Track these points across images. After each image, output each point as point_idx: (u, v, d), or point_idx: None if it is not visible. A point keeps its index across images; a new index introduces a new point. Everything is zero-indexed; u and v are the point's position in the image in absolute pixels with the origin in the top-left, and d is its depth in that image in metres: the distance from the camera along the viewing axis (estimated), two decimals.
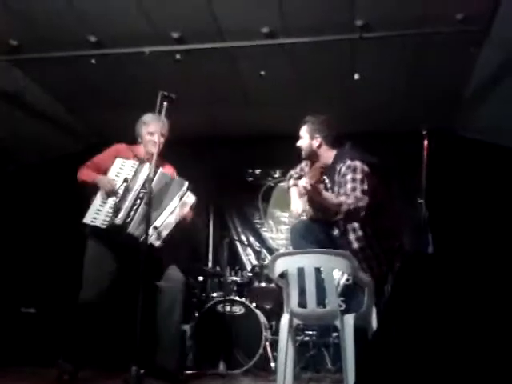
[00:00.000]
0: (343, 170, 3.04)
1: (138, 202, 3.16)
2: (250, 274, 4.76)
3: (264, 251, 5.63)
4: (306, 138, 3.22)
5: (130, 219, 3.13)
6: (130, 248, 3.13)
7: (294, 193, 3.41)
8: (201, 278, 4.74)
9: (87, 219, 3.16)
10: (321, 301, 2.83)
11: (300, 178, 3.42)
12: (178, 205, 3.26)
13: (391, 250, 3.08)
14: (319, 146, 3.20)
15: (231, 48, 4.15)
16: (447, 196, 4.93)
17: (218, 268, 5.09)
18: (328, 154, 3.20)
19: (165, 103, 3.00)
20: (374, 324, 2.85)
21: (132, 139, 3.53)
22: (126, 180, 3.20)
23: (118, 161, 3.30)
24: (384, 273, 3.04)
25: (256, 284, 4.61)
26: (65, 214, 5.19)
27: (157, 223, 3.16)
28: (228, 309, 4.29)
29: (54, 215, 5.55)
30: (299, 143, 3.26)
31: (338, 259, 2.76)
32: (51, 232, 5.51)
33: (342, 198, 2.93)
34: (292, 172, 3.50)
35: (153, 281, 3.23)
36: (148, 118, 3.40)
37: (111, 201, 3.17)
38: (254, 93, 4.88)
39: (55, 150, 5.74)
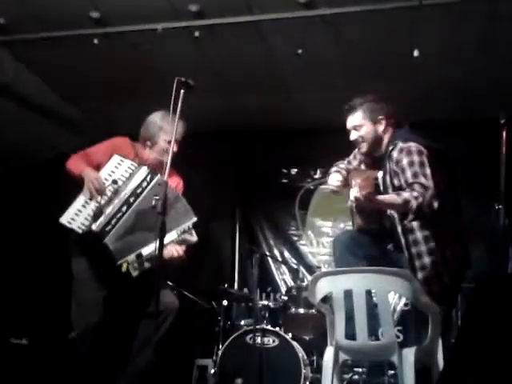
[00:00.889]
0: (395, 155, 3.00)
1: (124, 208, 3.19)
2: (286, 298, 4.75)
3: (302, 269, 5.61)
4: (367, 125, 3.14)
5: (109, 227, 3.17)
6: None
7: (334, 173, 3.34)
8: (225, 303, 4.75)
9: (64, 219, 3.20)
10: (373, 331, 2.81)
11: (347, 170, 3.39)
12: (177, 240, 3.26)
13: (460, 266, 3.02)
14: (385, 130, 3.15)
15: (261, 22, 4.16)
16: None
17: (245, 290, 5.09)
18: (391, 136, 3.15)
19: (182, 91, 3.00)
20: (441, 362, 2.81)
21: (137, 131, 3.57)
22: (114, 181, 3.25)
23: (115, 158, 3.31)
24: (452, 295, 2.99)
25: (293, 310, 4.60)
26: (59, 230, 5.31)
27: (144, 251, 3.17)
28: (259, 340, 4.28)
29: (47, 230, 5.67)
30: (355, 135, 3.17)
31: (395, 280, 2.73)
32: (45, 250, 5.63)
33: (406, 194, 2.87)
34: (337, 163, 3.46)
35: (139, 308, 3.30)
36: (166, 122, 3.36)
37: (94, 202, 3.22)
38: (290, 76, 4.89)
39: (48, 147, 5.87)
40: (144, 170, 3.27)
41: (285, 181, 5.98)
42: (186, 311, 3.48)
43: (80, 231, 3.18)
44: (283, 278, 5.73)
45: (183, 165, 3.44)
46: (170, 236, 3.20)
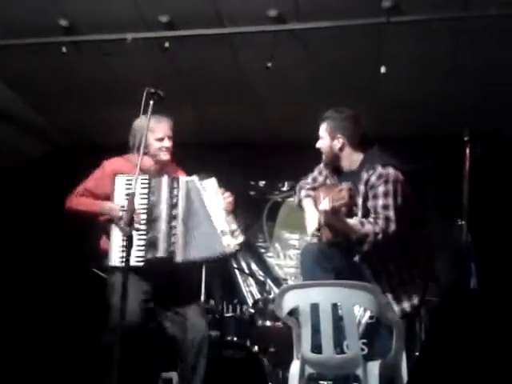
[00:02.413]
0: (373, 179, 3.02)
1: (174, 223, 3.17)
2: (252, 311, 4.74)
3: (269, 282, 5.61)
4: (326, 139, 3.19)
5: (172, 248, 3.13)
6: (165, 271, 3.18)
7: (308, 205, 3.36)
8: None
9: (114, 261, 3.10)
10: (338, 344, 2.81)
11: (313, 190, 3.43)
12: (212, 197, 3.29)
13: (422, 278, 3.07)
14: (341, 149, 3.18)
15: (231, 35, 4.19)
16: (494, 216, 4.92)
17: (211, 302, 5.06)
18: (353, 158, 3.18)
19: (151, 101, 3.01)
20: (405, 374, 2.83)
21: (110, 143, 3.54)
22: (146, 205, 3.16)
23: (120, 179, 3.20)
24: (415, 309, 3.02)
25: (259, 323, 4.59)
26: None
27: (220, 228, 3.22)
28: (224, 353, 4.26)
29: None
30: (318, 144, 3.24)
31: (361, 293, 2.75)
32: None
33: (369, 227, 2.92)
34: (302, 183, 3.49)
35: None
36: (151, 122, 3.28)
37: (136, 232, 3.04)
38: (259, 89, 4.92)
39: (12, 155, 5.78)
40: (165, 180, 3.24)
41: (253, 193, 6.00)
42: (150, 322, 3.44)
43: (141, 264, 3.09)
44: (250, 290, 5.72)
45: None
46: (209, 201, 3.27)
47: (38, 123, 5.53)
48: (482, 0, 3.73)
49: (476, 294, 2.64)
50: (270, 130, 5.48)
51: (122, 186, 3.19)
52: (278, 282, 5.55)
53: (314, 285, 2.86)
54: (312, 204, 3.34)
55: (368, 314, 2.99)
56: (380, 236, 2.91)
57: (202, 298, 5.45)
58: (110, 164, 3.35)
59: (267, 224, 5.88)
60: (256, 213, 5.88)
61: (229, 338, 4.41)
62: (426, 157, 5.11)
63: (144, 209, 3.17)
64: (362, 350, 2.86)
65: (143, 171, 3.25)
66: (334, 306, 2.80)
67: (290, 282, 5.12)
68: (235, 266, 5.74)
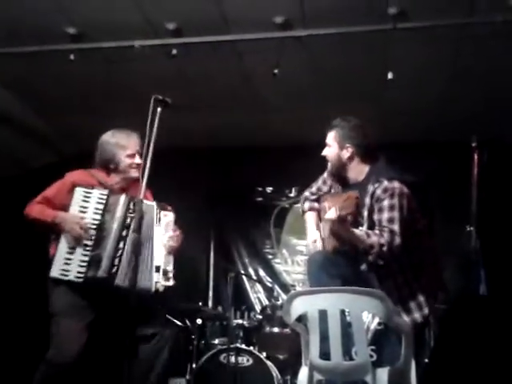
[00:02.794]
0: (378, 192, 3.03)
1: (121, 245, 3.09)
2: (260, 317, 4.75)
3: (277, 288, 5.63)
4: (334, 147, 3.19)
5: (115, 269, 3.06)
6: (110, 293, 3.11)
7: (310, 219, 3.40)
8: (199, 322, 4.72)
9: (55, 273, 3.07)
10: (347, 351, 2.81)
11: (317, 200, 3.43)
12: (162, 231, 3.24)
13: (431, 288, 3.06)
14: (350, 158, 3.16)
15: (238, 42, 4.21)
16: (503, 222, 4.92)
17: (220, 309, 5.07)
18: (359, 169, 3.17)
19: (158, 109, 3.01)
20: (414, 381, 2.82)
21: None
22: (98, 221, 3.10)
23: (79, 190, 3.15)
24: (426, 319, 3.01)
25: (267, 329, 4.59)
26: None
27: (156, 262, 3.15)
28: (233, 359, 4.26)
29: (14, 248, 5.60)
30: (325, 152, 3.24)
31: (369, 300, 2.74)
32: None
33: (374, 239, 2.93)
34: (307, 193, 3.48)
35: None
36: (122, 137, 3.30)
37: (82, 248, 3.07)
38: (266, 95, 4.93)
39: (16, 163, 5.81)
40: (123, 198, 3.17)
41: (260, 199, 6.00)
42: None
43: (80, 280, 3.04)
44: (258, 296, 5.73)
45: (159, 181, 3.43)
46: (157, 232, 3.22)
47: (43, 131, 5.55)
48: (488, 6, 3.72)
49: (485, 300, 2.64)
50: (277, 136, 5.49)
51: (79, 197, 3.15)
52: (285, 288, 5.56)
53: (322, 291, 2.85)
54: (314, 219, 3.35)
55: (376, 320, 2.98)
56: (385, 248, 2.92)
57: (210, 304, 5.50)
58: (72, 176, 3.29)
59: (274, 230, 5.88)
60: (263, 219, 5.89)
61: (237, 345, 4.41)
62: (432, 163, 5.12)
63: (95, 224, 3.11)
64: (371, 356, 2.85)
65: (106, 187, 3.23)
66: (342, 313, 2.80)
67: (298, 288, 5.14)
68: (243, 272, 5.76)
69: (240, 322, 4.73)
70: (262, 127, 5.39)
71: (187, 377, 4.35)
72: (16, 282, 5.50)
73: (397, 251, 2.95)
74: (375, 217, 3.01)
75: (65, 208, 3.16)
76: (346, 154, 3.17)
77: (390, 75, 4.07)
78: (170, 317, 4.63)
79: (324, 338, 2.77)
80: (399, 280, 3.01)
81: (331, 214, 2.87)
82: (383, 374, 2.72)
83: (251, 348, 4.37)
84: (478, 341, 1.84)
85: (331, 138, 3.20)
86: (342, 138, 3.17)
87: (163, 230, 3.25)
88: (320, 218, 3.38)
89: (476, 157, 3.33)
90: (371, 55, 4.30)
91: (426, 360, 3.33)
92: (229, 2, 3.89)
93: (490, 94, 4.64)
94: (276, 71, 4.17)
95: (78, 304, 3.12)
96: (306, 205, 3.43)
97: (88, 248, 3.08)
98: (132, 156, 3.28)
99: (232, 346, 4.35)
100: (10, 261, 5.60)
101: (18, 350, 5.10)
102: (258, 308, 5.43)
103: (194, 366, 4.39)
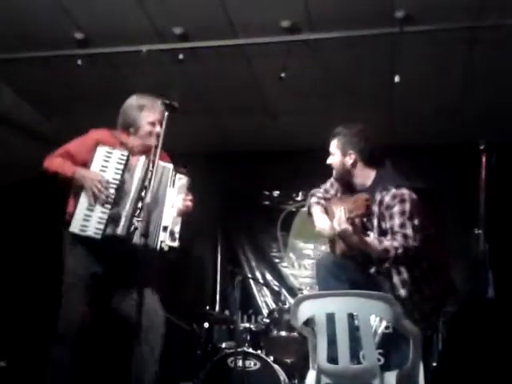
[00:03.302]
0: (387, 200, 3.04)
1: (140, 205, 3.11)
2: (267, 321, 4.73)
3: (284, 292, 5.62)
4: (338, 155, 3.22)
5: (133, 228, 3.07)
6: (125, 256, 3.10)
7: (317, 210, 3.40)
8: (206, 325, 4.72)
9: (75, 228, 3.07)
10: (355, 354, 2.81)
11: (325, 199, 3.44)
12: (175, 193, 3.27)
13: (442, 293, 3.06)
14: (354, 164, 3.19)
15: (245, 46, 4.23)
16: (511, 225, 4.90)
17: (227, 312, 5.07)
18: (365, 174, 3.19)
19: (166, 113, 3.04)
20: None
21: None
22: (119, 180, 3.13)
23: (101, 149, 3.17)
24: (434, 320, 3.01)
25: (274, 333, 4.57)
26: (40, 247, 5.27)
27: (164, 222, 3.17)
28: (240, 363, 4.26)
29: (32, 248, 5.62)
30: (329, 161, 3.27)
31: (377, 303, 2.74)
32: (23, 269, 5.58)
33: (387, 243, 2.93)
34: (314, 191, 3.52)
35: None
36: (145, 101, 3.30)
37: (101, 205, 3.09)
38: (273, 99, 4.95)
39: (27, 168, 5.83)
40: (143, 160, 3.20)
41: (267, 203, 6.01)
42: (168, 333, 3.46)
43: (98, 237, 3.05)
44: (265, 300, 5.72)
45: None
46: (169, 194, 3.24)
47: (50, 136, 5.58)
48: (497, 9, 3.72)
49: (493, 304, 2.63)
50: (284, 140, 5.49)
51: (101, 156, 3.17)
52: (292, 291, 5.55)
53: (329, 294, 2.86)
54: (321, 210, 3.36)
55: (384, 323, 2.98)
56: (400, 251, 2.91)
57: (217, 308, 5.50)
58: (96, 133, 3.30)
59: (281, 234, 5.88)
60: (270, 222, 5.89)
61: (244, 349, 4.40)
62: (440, 166, 5.10)
63: (114, 184, 3.13)
64: (379, 360, 2.84)
65: (127, 149, 3.24)
66: (350, 316, 2.80)
67: (305, 292, 5.13)
68: (250, 276, 5.76)
69: (247, 325, 4.70)
70: (269, 131, 5.40)
71: (195, 381, 4.35)
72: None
73: (412, 254, 2.94)
74: (386, 225, 3.01)
75: (85, 164, 3.17)
76: (349, 160, 3.19)
77: (396, 78, 4.07)
78: (177, 321, 4.66)
79: (331, 342, 2.77)
80: (410, 287, 3.01)
81: (339, 215, 2.87)
82: (391, 377, 2.73)
83: (259, 352, 4.35)
84: (486, 344, 1.83)
85: (334, 146, 3.24)
86: (344, 145, 3.20)
87: (176, 192, 3.27)
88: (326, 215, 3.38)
89: (484, 159, 3.32)
90: (379, 58, 4.30)
91: (434, 364, 3.34)
92: (235, 6, 3.91)
93: (499, 97, 4.63)
94: (283, 75, 4.18)
95: (89, 272, 3.12)
96: (313, 199, 3.45)
97: (107, 206, 3.10)
98: (153, 124, 3.28)
99: (239, 349, 4.34)
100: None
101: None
102: (265, 312, 5.42)
103: (201, 370, 4.39)
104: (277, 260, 5.87)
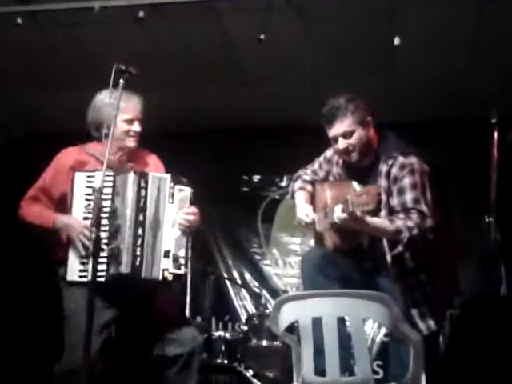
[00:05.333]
0: (394, 171, 3.03)
1: (140, 232, 3.10)
2: (246, 328, 4.76)
3: (266, 294, 5.65)
4: (359, 130, 3.11)
5: (139, 261, 3.08)
6: (130, 288, 3.16)
7: (300, 196, 3.41)
8: None
9: (72, 276, 3.10)
10: (347, 366, 2.82)
11: (311, 182, 3.44)
12: (175, 209, 3.21)
13: (447, 291, 3.09)
14: (374, 134, 3.15)
15: (217, 1, 4.18)
16: None
17: (198, 319, 5.08)
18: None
19: (121, 80, 3.00)
20: None
21: (73, 131, 3.48)
22: (109, 208, 3.07)
23: (79, 176, 3.15)
24: (438, 324, 3.04)
25: (254, 342, 4.61)
26: None
27: (165, 246, 3.15)
28: (214, 377, 4.27)
29: None
30: (346, 143, 3.12)
31: (372, 305, 2.75)
32: None
33: (399, 223, 2.92)
34: (300, 172, 3.51)
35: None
36: (117, 99, 3.21)
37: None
38: (251, 66, 4.93)
39: None
40: (131, 177, 3.14)
41: (245, 190, 6.01)
42: None
43: (103, 279, 3.03)
44: (243, 304, 5.75)
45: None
46: (168, 210, 3.20)
47: None
48: None
49: (507, 302, 2.66)
50: (265, 115, 5.49)
51: (81, 184, 3.14)
52: (276, 294, 5.57)
53: (315, 295, 2.86)
54: (305, 198, 3.35)
55: (383, 331, 2.99)
56: (415, 231, 2.89)
57: (187, 314, 5.49)
58: (66, 157, 3.30)
59: (263, 226, 5.90)
60: (250, 213, 5.91)
61: (218, 361, 4.42)
62: (446, 144, 5.14)
63: (106, 213, 3.07)
64: (377, 373, 2.86)
65: (108, 165, 3.11)
66: (341, 321, 2.81)
67: (289, 294, 5.14)
68: (226, 275, 5.77)
69: (222, 334, 4.73)
70: (246, 104, 5.38)
71: None
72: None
73: (428, 237, 2.94)
74: (395, 201, 3.00)
75: (65, 197, 3.19)
76: (370, 130, 3.15)
77: (396, 41, 4.08)
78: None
79: (319, 351, 2.78)
80: (412, 281, 3.03)
81: (340, 210, 2.85)
82: None
83: (235, 364, 4.38)
84: (498, 346, 1.85)
85: (349, 122, 3.11)
86: (360, 115, 3.12)
87: (177, 207, 3.22)
88: (314, 205, 3.38)
89: (496, 136, 3.34)
90: (376, 18, 4.28)
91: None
92: None
93: None
94: (262, 37, 4.17)
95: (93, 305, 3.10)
96: (297, 184, 3.45)
97: (104, 242, 3.05)
98: (130, 122, 3.28)
99: (213, 362, 4.37)
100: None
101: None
102: (243, 318, 5.45)
103: None
104: (257, 257, 5.91)
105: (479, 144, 3.45)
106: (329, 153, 3.41)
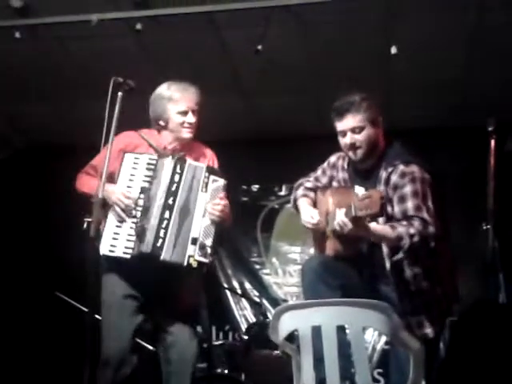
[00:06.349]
0: (395, 178, 3.02)
1: (167, 214, 3.18)
2: (246, 337, 4.75)
3: (266, 303, 5.62)
4: (368, 127, 3.10)
5: (160, 242, 3.15)
6: (163, 274, 3.20)
7: (303, 202, 3.39)
8: None
9: (104, 249, 3.17)
10: (347, 374, 2.82)
11: (314, 190, 3.44)
12: (207, 198, 3.27)
13: (446, 299, 3.09)
14: (382, 136, 3.14)
15: (214, 13, 4.21)
16: None
17: (198, 329, 5.06)
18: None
19: (119, 93, 3.03)
20: None
21: (75, 143, 3.51)
22: (144, 189, 3.20)
23: (128, 157, 3.26)
24: (438, 332, 3.04)
25: (254, 351, 4.60)
26: None
27: (193, 233, 3.21)
28: None
29: None
30: (354, 139, 3.10)
31: (372, 313, 2.74)
32: None
33: (401, 229, 2.90)
34: (301, 181, 3.51)
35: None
36: (174, 90, 3.36)
37: (130, 220, 3.18)
38: (249, 77, 4.94)
39: None
40: (169, 162, 3.23)
41: (245, 199, 6.01)
42: None
43: (128, 256, 3.14)
44: (243, 313, 5.74)
45: None
46: (201, 200, 3.25)
47: None
48: None
49: (505, 309, 2.65)
50: (264, 125, 5.50)
51: (129, 164, 3.26)
52: (276, 303, 5.57)
53: (315, 304, 2.85)
54: (308, 202, 3.35)
55: (383, 339, 2.99)
56: (416, 238, 2.88)
57: None
58: (122, 139, 3.36)
59: (262, 235, 5.90)
60: (249, 222, 5.90)
61: (219, 371, 4.42)
62: (443, 151, 5.13)
63: (143, 193, 3.20)
64: (378, 381, 2.86)
65: (157, 150, 3.32)
66: (341, 329, 2.81)
67: (289, 303, 5.14)
68: (225, 285, 5.76)
69: (223, 343, 4.74)
70: (245, 114, 5.40)
71: None
72: None
73: (430, 244, 2.92)
74: (396, 208, 2.99)
75: (112, 176, 3.24)
76: (379, 130, 3.14)
77: (393, 50, 4.09)
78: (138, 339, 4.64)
79: (319, 360, 2.78)
80: (412, 288, 3.02)
81: (343, 215, 2.85)
82: None
83: (235, 374, 4.37)
84: (497, 354, 1.85)
85: (361, 118, 3.09)
86: (373, 113, 3.11)
87: (209, 196, 3.28)
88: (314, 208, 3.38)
89: (493, 143, 3.34)
90: (372, 26, 4.31)
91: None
92: None
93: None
94: (260, 47, 4.18)
95: (125, 294, 3.23)
96: (300, 191, 3.43)
97: (135, 220, 3.16)
98: (184, 113, 3.34)
99: (213, 372, 4.36)
100: None
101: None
102: (243, 327, 5.44)
103: None
104: (257, 266, 5.91)
105: (477, 151, 3.45)
106: (333, 158, 3.40)
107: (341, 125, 3.13)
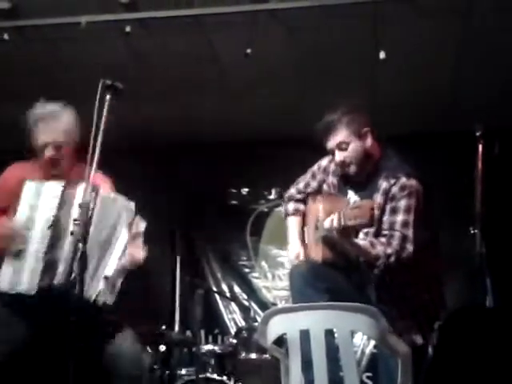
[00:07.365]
0: (395, 190, 3.03)
1: (81, 245, 2.87)
2: (235, 341, 4.75)
3: (255, 307, 5.63)
4: (354, 141, 3.11)
5: (74, 276, 2.81)
6: (55, 308, 2.96)
7: (293, 225, 3.41)
8: (163, 348, 4.70)
9: (5, 287, 2.99)
10: (335, 378, 2.82)
11: (304, 200, 3.44)
12: (128, 239, 3.15)
13: (434, 305, 3.09)
14: (373, 145, 3.13)
15: (203, 17, 4.20)
16: None
17: (188, 333, 5.06)
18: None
19: (107, 96, 3.00)
20: None
21: None
22: (54, 216, 3.01)
23: (29, 185, 3.07)
24: (426, 341, 3.04)
25: (243, 355, 4.60)
26: None
27: (107, 271, 3.05)
28: None
29: None
30: (343, 156, 3.11)
31: (360, 317, 2.75)
32: None
33: (380, 249, 2.94)
34: (293, 190, 3.49)
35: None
36: (42, 116, 3.21)
37: (34, 252, 2.99)
38: (238, 80, 4.95)
39: None
40: (81, 191, 2.93)
41: (234, 202, 6.01)
42: None
43: (34, 292, 2.93)
44: (232, 317, 5.75)
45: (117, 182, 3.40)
46: (122, 238, 3.12)
47: None
48: None
49: (492, 313, 2.66)
50: (253, 128, 5.50)
51: (29, 193, 3.07)
52: (265, 306, 5.56)
53: (303, 308, 2.85)
54: (298, 226, 3.35)
55: (372, 343, 2.99)
56: (393, 259, 2.93)
57: (176, 327, 5.48)
58: (14, 171, 3.26)
59: (251, 239, 5.90)
60: (238, 225, 5.90)
61: (208, 374, 4.41)
62: (430, 156, 5.16)
63: (48, 222, 3.01)
64: None
65: (60, 178, 3.13)
66: (329, 333, 2.80)
67: (277, 307, 5.14)
68: (214, 289, 5.75)
69: (211, 347, 4.72)
70: (233, 117, 5.39)
71: None
72: None
73: (407, 261, 2.96)
74: (385, 217, 3.02)
75: (7, 210, 3.12)
76: (367, 141, 3.13)
77: (382, 55, 4.10)
78: None
79: (307, 364, 2.78)
80: (400, 294, 3.03)
81: (331, 222, 2.86)
82: None
83: (224, 378, 4.37)
84: (485, 360, 1.85)
85: (344, 134, 3.11)
86: (356, 126, 3.11)
87: (126, 223, 3.15)
88: (304, 222, 3.38)
89: (481, 148, 3.35)
90: (360, 33, 4.31)
91: None
92: None
93: (502, 76, 4.69)
94: (249, 51, 4.19)
95: (7, 321, 3.04)
96: (291, 206, 3.44)
97: (42, 251, 2.99)
98: (43, 146, 3.17)
99: (202, 376, 4.35)
100: None
101: None
102: (232, 331, 5.43)
103: None
104: (246, 270, 5.90)
105: (465, 156, 3.46)
106: (324, 162, 3.38)
107: (328, 145, 3.15)
